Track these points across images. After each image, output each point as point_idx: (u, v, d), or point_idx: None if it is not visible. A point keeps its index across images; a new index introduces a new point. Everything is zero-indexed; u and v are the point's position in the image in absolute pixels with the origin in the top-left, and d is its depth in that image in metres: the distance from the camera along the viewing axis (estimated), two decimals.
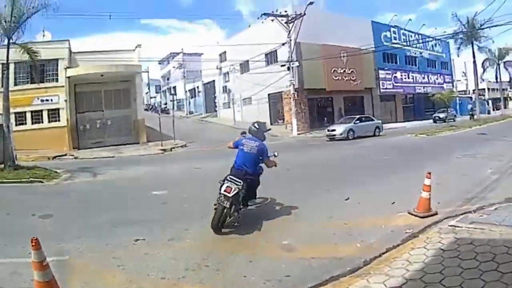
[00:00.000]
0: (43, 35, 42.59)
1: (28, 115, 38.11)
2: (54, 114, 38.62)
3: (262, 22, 49.62)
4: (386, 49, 62.36)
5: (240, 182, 9.74)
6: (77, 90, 39.40)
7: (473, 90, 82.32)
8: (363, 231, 9.56)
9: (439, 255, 7.32)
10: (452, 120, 59.32)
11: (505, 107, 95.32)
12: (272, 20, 46.41)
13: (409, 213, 10.69)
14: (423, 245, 8.00)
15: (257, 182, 10.92)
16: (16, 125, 34.15)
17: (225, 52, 67.71)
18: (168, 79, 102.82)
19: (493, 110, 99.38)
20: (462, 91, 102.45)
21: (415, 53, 72.30)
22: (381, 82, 61.93)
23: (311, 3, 44.48)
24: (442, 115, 62.62)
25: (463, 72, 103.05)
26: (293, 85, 46.31)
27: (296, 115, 46.63)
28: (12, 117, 28.99)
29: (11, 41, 23.20)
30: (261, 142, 10.73)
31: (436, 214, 10.48)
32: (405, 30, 69.50)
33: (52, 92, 38.00)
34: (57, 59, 38.25)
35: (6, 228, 10.88)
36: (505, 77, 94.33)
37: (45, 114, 38.50)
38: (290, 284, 6.77)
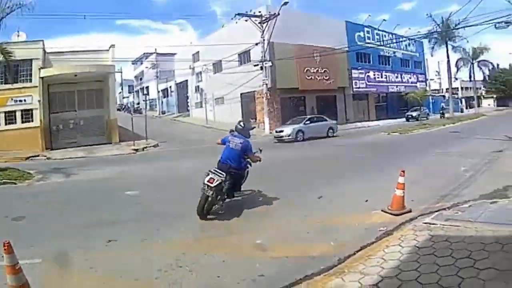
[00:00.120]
0: (18, 35, 41.88)
1: (2, 116, 37.33)
2: (27, 115, 37.80)
3: (236, 23, 49.30)
4: (360, 49, 62.70)
5: (223, 175, 10.92)
6: (51, 90, 38.80)
7: (447, 89, 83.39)
8: (337, 229, 9.53)
9: (414, 253, 7.28)
10: (425, 118, 59.98)
11: (478, 106, 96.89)
12: (246, 21, 46.24)
13: (383, 211, 10.68)
14: (397, 242, 7.96)
15: (242, 175, 12.10)
16: None
17: (198, 52, 67.50)
18: (141, 79, 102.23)
19: (466, 108, 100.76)
20: (435, 90, 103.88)
21: (389, 53, 72.85)
22: (354, 81, 62.12)
23: (285, 3, 44.39)
24: (415, 114, 63.35)
25: (437, 71, 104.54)
26: (266, 84, 46.26)
27: (269, 115, 46.59)
28: None
29: None
30: (245, 139, 11.80)
31: (410, 211, 10.48)
32: (379, 30, 69.95)
33: (26, 93, 37.36)
34: (31, 59, 37.51)
35: None
36: (479, 76, 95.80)
37: (18, 114, 37.62)
38: (264, 284, 6.69)
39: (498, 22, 28.68)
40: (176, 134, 46.25)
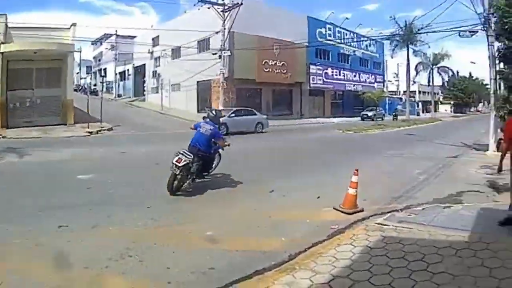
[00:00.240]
0: None
1: None
2: None
3: (199, 9, 48.62)
4: (320, 45, 63.13)
5: (191, 156, 11.97)
6: (10, 67, 37.65)
7: (404, 92, 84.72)
8: (287, 224, 9.46)
9: (366, 253, 7.23)
10: (380, 119, 60.71)
11: (435, 111, 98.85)
12: (209, 8, 45.57)
13: (334, 208, 10.63)
14: (349, 241, 7.90)
15: (211, 158, 13.38)
16: None
17: (158, 36, 66.29)
18: (99, 60, 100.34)
19: (423, 112, 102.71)
20: (392, 91, 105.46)
21: (349, 51, 73.61)
22: (311, 77, 62.42)
23: None
24: (370, 113, 64.35)
25: (395, 73, 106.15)
26: (223, 74, 45.90)
27: (224, 104, 46.13)
28: None
29: None
30: (215, 126, 13.18)
31: (362, 211, 10.49)
32: (340, 28, 70.48)
33: None
34: None
35: None
36: (437, 81, 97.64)
37: None
38: (214, 277, 6.54)
39: (463, 31, 29.03)
40: (130, 119, 45.63)
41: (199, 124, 13.25)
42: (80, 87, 79.92)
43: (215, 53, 45.81)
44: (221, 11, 45.10)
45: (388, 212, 10.29)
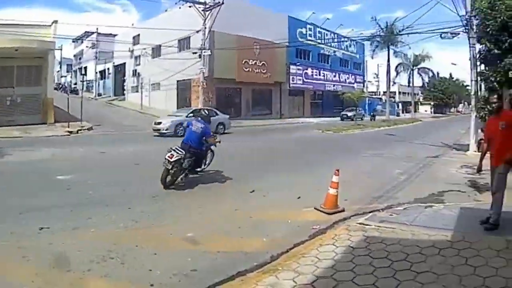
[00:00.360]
0: None
1: None
2: None
3: (180, 8, 48.93)
4: (300, 45, 63.43)
5: (183, 152, 12.85)
6: None
7: (384, 92, 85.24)
8: (269, 225, 9.41)
9: (349, 253, 7.20)
10: (360, 119, 60.80)
11: (415, 111, 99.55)
12: (190, 7, 45.43)
13: (316, 208, 10.61)
14: (331, 242, 7.87)
15: (202, 155, 14.24)
16: None
17: (139, 35, 65.84)
18: (80, 58, 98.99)
19: (403, 112, 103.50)
20: (372, 92, 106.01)
21: (329, 52, 74.13)
22: (291, 77, 62.76)
23: None
24: (350, 114, 64.50)
25: (375, 73, 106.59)
26: (203, 73, 45.75)
27: (204, 104, 45.88)
28: None
29: None
30: (206, 125, 13.97)
31: (343, 211, 10.47)
32: (321, 28, 70.93)
33: None
34: None
35: None
36: (417, 82, 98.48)
37: None
38: (197, 278, 6.49)
39: (444, 32, 29.27)
40: (110, 118, 45.38)
41: (191, 123, 14.16)
42: (61, 86, 78.96)
43: (195, 52, 45.69)
44: (202, 10, 44.95)
45: (370, 212, 10.30)
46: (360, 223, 9.08)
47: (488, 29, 23.19)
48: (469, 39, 25.63)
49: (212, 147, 15.04)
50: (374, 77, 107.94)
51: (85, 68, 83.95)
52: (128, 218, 9.44)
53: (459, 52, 69.64)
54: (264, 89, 59.18)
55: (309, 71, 66.59)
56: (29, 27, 38.92)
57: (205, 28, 45.00)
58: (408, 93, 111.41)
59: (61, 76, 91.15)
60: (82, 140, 27.98)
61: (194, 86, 50.05)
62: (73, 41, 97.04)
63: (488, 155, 8.85)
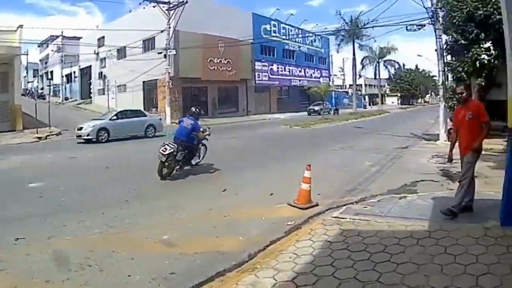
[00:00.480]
0: None
1: None
2: None
3: (144, 8, 48.73)
4: (265, 41, 63.66)
5: (175, 146, 14.48)
6: None
7: (350, 85, 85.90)
8: (243, 223, 9.38)
9: (326, 247, 7.18)
10: (327, 113, 61.02)
11: (382, 103, 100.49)
12: (154, 6, 45.36)
13: (289, 204, 10.61)
14: (308, 237, 7.83)
15: (194, 148, 15.81)
16: None
17: (103, 37, 64.77)
18: (46, 63, 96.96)
19: (370, 105, 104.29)
20: (338, 85, 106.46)
21: (294, 47, 74.36)
22: (257, 73, 63.01)
23: None
24: (317, 108, 64.71)
25: (341, 67, 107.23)
26: (169, 73, 45.85)
27: (170, 104, 46.09)
28: None
29: None
30: (196, 121, 15.64)
31: (317, 205, 10.48)
32: (285, 24, 71.24)
33: None
34: None
35: None
36: (384, 74, 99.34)
37: None
38: (176, 281, 6.44)
39: (410, 24, 29.60)
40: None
41: (182, 120, 16.08)
42: (28, 91, 77.79)
43: (160, 52, 45.70)
44: (166, 10, 45.03)
45: (344, 206, 10.31)
46: (335, 217, 9.07)
47: (454, 20, 23.55)
48: (435, 31, 26.02)
49: (205, 142, 16.97)
50: (340, 71, 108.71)
51: (51, 72, 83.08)
52: (102, 224, 9.31)
53: (425, 44, 70.70)
54: (230, 87, 59.24)
55: (274, 67, 66.95)
56: None
57: (170, 27, 45.13)
58: (374, 86, 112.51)
59: (28, 82, 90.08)
60: (51, 146, 27.55)
61: (160, 87, 50.07)
62: (38, 46, 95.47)
63: (457, 144, 8.93)
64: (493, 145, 19.81)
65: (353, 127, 40.65)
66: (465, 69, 23.64)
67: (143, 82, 53.79)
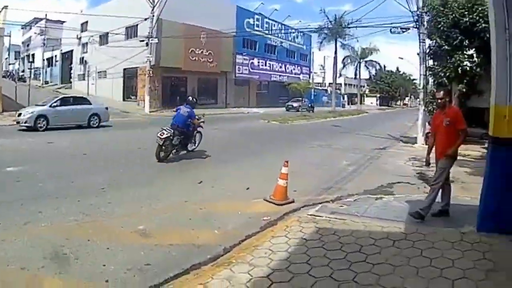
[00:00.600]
0: None
1: None
2: None
3: None
4: (248, 35, 63.68)
5: (171, 131, 15.89)
6: None
7: (330, 84, 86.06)
8: (219, 216, 9.32)
9: (302, 245, 7.18)
10: (305, 110, 61.04)
11: (361, 103, 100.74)
12: None
13: (265, 200, 10.60)
14: (283, 233, 7.83)
15: (189, 134, 17.27)
16: None
17: (87, 22, 64.03)
18: (28, 45, 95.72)
19: (348, 104, 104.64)
20: (318, 83, 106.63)
21: (276, 42, 74.47)
22: (237, 66, 63.05)
23: None
24: (295, 104, 64.70)
25: (321, 65, 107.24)
26: (150, 61, 45.54)
27: (150, 93, 45.88)
28: None
29: None
30: (192, 109, 17.11)
31: (293, 202, 10.50)
32: (269, 19, 71.31)
33: None
34: None
35: None
36: (364, 75, 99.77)
37: None
38: (151, 273, 6.38)
39: (394, 27, 29.76)
40: None
41: (180, 107, 17.48)
42: (9, 74, 76.84)
43: (143, 40, 45.26)
44: None
45: (320, 204, 10.32)
46: (311, 215, 9.08)
47: (439, 26, 23.91)
48: (419, 35, 26.23)
49: (200, 130, 18.53)
50: (320, 69, 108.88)
51: (33, 55, 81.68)
52: (78, 211, 9.21)
53: (408, 47, 71.07)
54: (210, 79, 59.14)
55: (255, 61, 67.02)
56: None
57: (153, 16, 44.72)
58: (354, 85, 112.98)
59: (9, 64, 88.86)
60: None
61: (141, 75, 49.71)
62: (22, 28, 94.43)
63: (434, 148, 9.01)
64: (471, 151, 20.08)
65: (331, 125, 40.82)
66: (447, 74, 23.91)
67: (124, 69, 53.35)
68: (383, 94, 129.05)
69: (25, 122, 26.11)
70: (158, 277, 6.18)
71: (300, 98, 64.44)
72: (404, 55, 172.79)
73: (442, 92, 8.87)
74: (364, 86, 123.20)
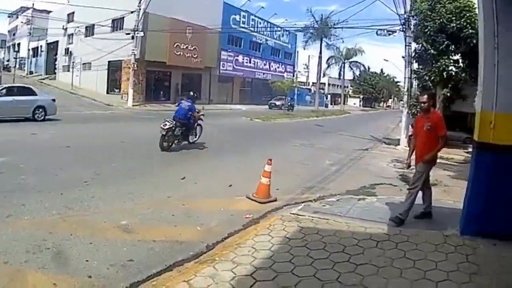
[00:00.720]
0: None
1: None
2: None
3: None
4: (233, 31, 63.56)
5: (173, 122, 17.44)
6: None
7: (313, 83, 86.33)
8: (202, 213, 9.33)
9: (285, 244, 7.20)
10: (286, 108, 61.10)
11: (344, 103, 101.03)
12: None
13: (248, 197, 10.64)
14: (266, 232, 7.85)
15: (190, 126, 18.70)
16: None
17: (73, 12, 63.48)
18: (14, 34, 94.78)
19: (331, 104, 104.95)
20: (302, 82, 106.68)
21: (261, 40, 74.42)
22: (222, 63, 63.02)
23: None
24: (278, 103, 65.09)
25: (305, 64, 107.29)
26: (134, 55, 45.28)
27: (134, 86, 45.58)
28: None
29: None
30: (192, 103, 18.69)
31: (275, 200, 10.56)
32: (255, 16, 71.32)
33: None
34: None
35: None
36: (348, 75, 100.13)
37: None
38: (134, 269, 6.36)
39: (381, 29, 29.92)
40: None
41: (181, 102, 19.16)
42: None
43: (128, 33, 44.94)
44: None
45: (302, 203, 10.38)
46: (294, 214, 9.12)
47: (426, 30, 24.12)
48: (405, 38, 26.41)
49: (201, 123, 20.01)
50: (304, 68, 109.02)
51: (19, 44, 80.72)
52: (61, 205, 9.12)
53: (393, 49, 71.40)
54: (194, 74, 58.91)
55: (240, 58, 67.01)
56: None
57: (140, 9, 44.43)
58: (338, 85, 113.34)
59: None
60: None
61: (125, 68, 49.33)
62: (8, 16, 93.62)
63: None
64: (454, 155, 20.24)
65: (314, 124, 41.00)
66: (432, 78, 24.11)
67: (109, 62, 52.71)
68: (366, 95, 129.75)
69: None
70: (141, 274, 6.17)
71: (283, 97, 64.49)
72: (389, 57, 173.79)
73: (426, 96, 8.86)
74: (347, 87, 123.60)
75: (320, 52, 72.93)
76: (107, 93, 51.72)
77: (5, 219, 8.09)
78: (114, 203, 9.70)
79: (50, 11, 71.75)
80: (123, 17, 48.73)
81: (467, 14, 22.76)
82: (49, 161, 14.00)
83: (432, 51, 23.98)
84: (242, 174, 13.66)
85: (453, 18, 23.07)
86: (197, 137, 19.96)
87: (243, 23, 67.21)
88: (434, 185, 9.98)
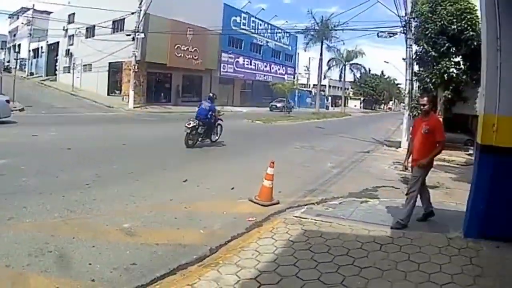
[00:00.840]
0: None
1: None
2: None
3: None
4: (233, 33, 63.50)
5: (196, 121, 19.21)
6: None
7: (314, 85, 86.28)
8: (204, 216, 9.30)
9: (289, 247, 7.19)
10: (289, 111, 61.01)
11: (345, 105, 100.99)
12: None
13: (250, 200, 10.61)
14: (270, 235, 7.85)
15: (212, 125, 20.54)
16: None
17: (74, 13, 62.95)
18: (14, 35, 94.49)
19: (332, 106, 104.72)
20: (302, 84, 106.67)
21: (261, 42, 74.32)
22: (222, 64, 62.91)
23: None
24: (279, 105, 64.86)
25: (306, 66, 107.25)
26: (135, 56, 45.30)
27: (134, 88, 45.59)
28: None
29: None
30: (212, 104, 20.47)
31: (278, 203, 10.52)
32: (255, 18, 71.22)
33: None
34: None
35: None
36: (349, 77, 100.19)
37: None
38: (137, 272, 6.33)
39: (382, 31, 29.93)
40: (42, 99, 43.62)
41: (202, 102, 21.00)
42: None
43: (129, 35, 44.88)
44: None
45: (305, 205, 10.39)
46: (297, 217, 9.11)
47: (427, 32, 24.09)
48: (406, 40, 26.41)
49: (221, 123, 21.60)
50: (305, 70, 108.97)
51: (19, 45, 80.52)
52: (63, 208, 9.10)
53: (393, 51, 71.45)
54: (195, 76, 58.87)
55: (240, 59, 66.95)
56: None
57: (141, 10, 44.45)
58: (338, 87, 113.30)
59: None
60: (14, 122, 27.05)
61: (126, 69, 49.25)
62: (9, 17, 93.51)
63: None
64: (456, 157, 20.23)
65: (315, 127, 40.93)
66: (433, 80, 24.11)
67: (109, 63, 52.62)
68: (367, 97, 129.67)
69: None
70: (144, 277, 6.15)
71: (284, 99, 64.46)
72: (389, 59, 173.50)
73: (426, 99, 8.77)
74: (348, 89, 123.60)
75: (321, 54, 73.09)
76: (108, 94, 51.52)
77: (7, 222, 8.07)
78: (115, 205, 9.69)
79: (51, 12, 71.65)
80: (124, 19, 48.57)
81: (468, 16, 22.77)
82: (50, 163, 13.98)
83: (433, 53, 23.98)
84: (243, 176, 13.65)
85: (454, 20, 23.06)
86: (218, 136, 21.65)
87: (244, 24, 67.08)
88: (436, 188, 10.00)
